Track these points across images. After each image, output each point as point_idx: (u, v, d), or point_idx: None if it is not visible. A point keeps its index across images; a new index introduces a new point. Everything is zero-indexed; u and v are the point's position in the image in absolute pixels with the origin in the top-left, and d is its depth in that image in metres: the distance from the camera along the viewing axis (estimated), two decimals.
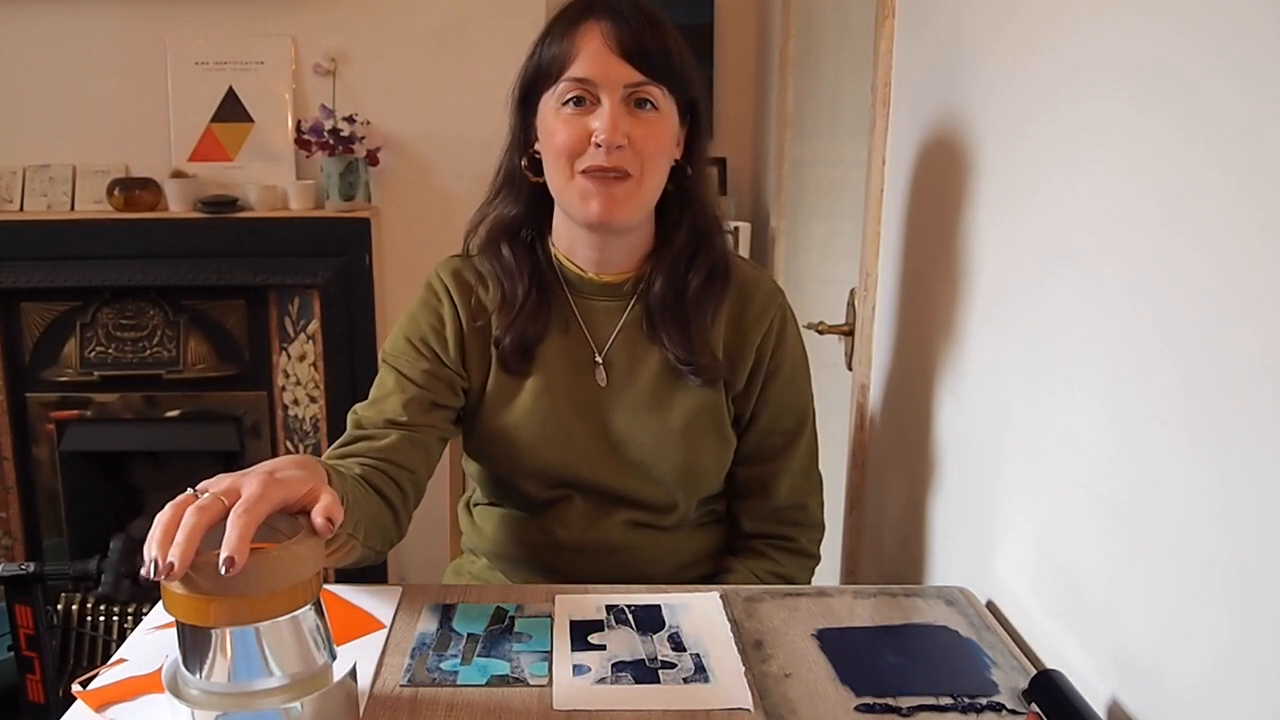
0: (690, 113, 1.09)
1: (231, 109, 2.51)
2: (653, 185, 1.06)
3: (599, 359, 1.12)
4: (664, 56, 1.02)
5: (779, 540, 1.19)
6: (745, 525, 1.20)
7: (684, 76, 1.05)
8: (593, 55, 1.01)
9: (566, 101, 1.03)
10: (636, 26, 1.01)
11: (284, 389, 2.49)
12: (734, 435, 1.16)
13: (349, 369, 2.50)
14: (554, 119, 1.04)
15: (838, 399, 1.56)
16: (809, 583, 1.23)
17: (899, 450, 1.32)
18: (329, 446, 1.07)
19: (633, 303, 1.13)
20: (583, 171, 1.03)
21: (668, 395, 1.11)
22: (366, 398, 1.10)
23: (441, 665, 0.86)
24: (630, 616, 0.95)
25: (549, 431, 1.11)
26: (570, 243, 1.13)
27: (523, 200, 1.13)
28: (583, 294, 1.13)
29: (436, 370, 1.10)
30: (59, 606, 2.46)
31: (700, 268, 1.11)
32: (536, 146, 1.08)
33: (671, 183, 1.09)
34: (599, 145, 1.01)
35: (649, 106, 1.03)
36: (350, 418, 1.09)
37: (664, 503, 1.13)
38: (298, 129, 2.45)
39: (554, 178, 1.06)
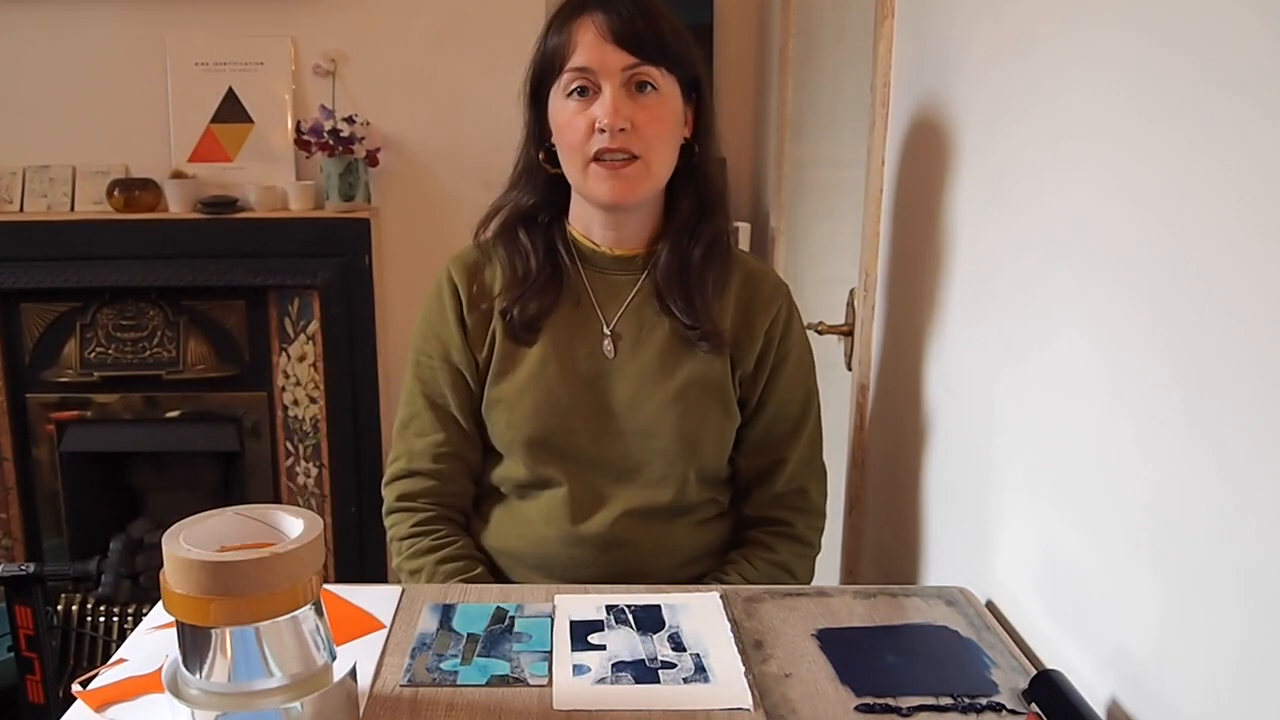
0: (694, 91, 1.14)
1: (231, 109, 2.51)
2: (661, 165, 1.12)
3: (607, 331, 1.16)
4: (657, 39, 1.08)
5: (776, 526, 1.20)
6: (746, 510, 1.22)
7: (680, 56, 1.11)
8: (589, 45, 1.07)
9: (571, 93, 1.09)
10: (628, 14, 1.07)
11: (284, 389, 2.49)
12: (738, 413, 1.18)
13: (349, 369, 2.50)
14: (562, 111, 1.10)
15: (838, 399, 1.56)
16: (809, 574, 1.23)
17: (899, 450, 1.32)
18: (387, 488, 1.21)
19: (644, 276, 1.17)
20: (594, 158, 1.09)
21: (673, 364, 1.15)
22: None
23: (441, 665, 0.86)
24: (630, 616, 0.95)
25: (553, 398, 1.13)
26: (587, 222, 1.18)
27: (540, 190, 1.18)
28: (597, 268, 1.18)
29: (464, 384, 1.18)
30: (59, 607, 2.46)
31: (702, 238, 1.16)
32: (552, 140, 1.14)
33: (682, 160, 1.15)
34: (603, 131, 1.07)
35: (649, 89, 1.08)
36: (400, 446, 1.21)
37: (661, 474, 1.14)
38: (297, 129, 2.45)
39: (569, 168, 1.13)
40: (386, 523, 1.21)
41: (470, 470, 1.21)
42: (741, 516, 1.23)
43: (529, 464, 1.15)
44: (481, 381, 1.18)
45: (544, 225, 1.19)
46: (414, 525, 1.17)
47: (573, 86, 1.09)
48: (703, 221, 1.16)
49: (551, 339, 1.15)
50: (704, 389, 1.15)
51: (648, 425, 1.14)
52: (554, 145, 1.14)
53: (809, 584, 1.23)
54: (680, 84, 1.11)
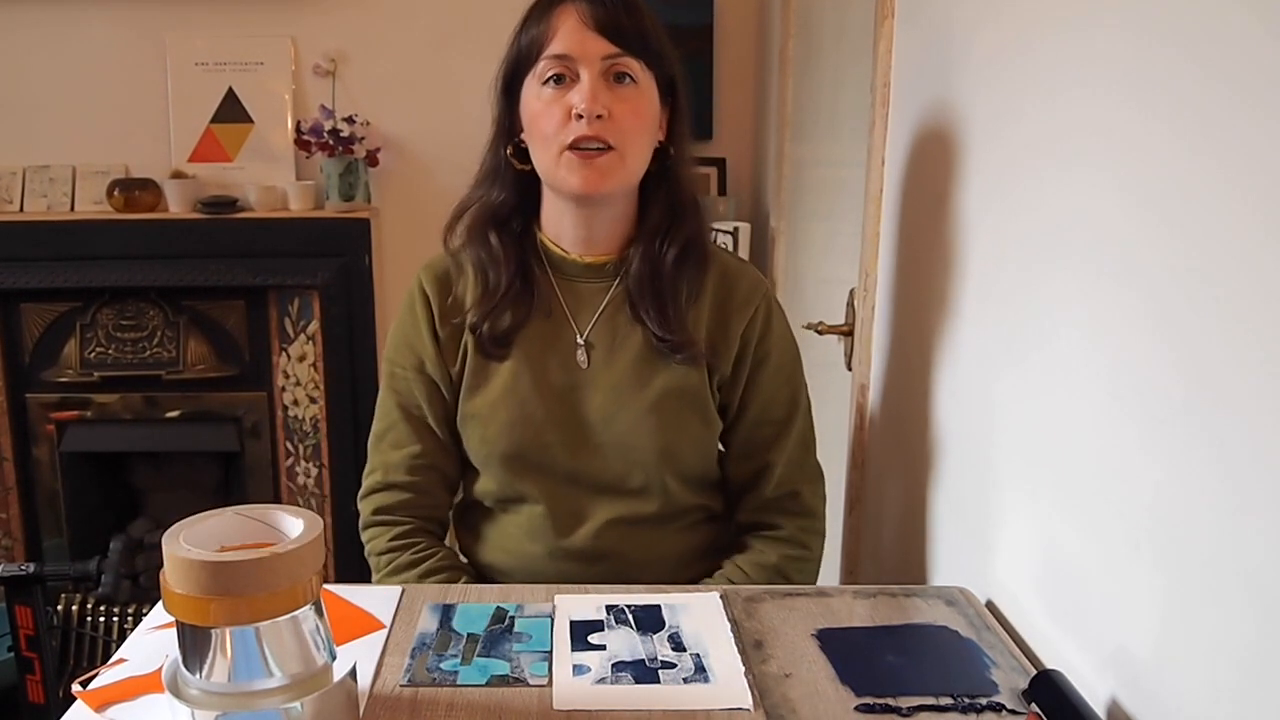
0: (670, 93, 1.12)
1: (231, 109, 2.51)
2: (635, 159, 1.09)
3: (580, 340, 1.13)
4: (639, 31, 1.06)
5: (765, 530, 1.18)
6: (738, 516, 1.21)
7: (661, 53, 1.09)
8: (569, 32, 1.05)
9: (547, 80, 1.06)
10: (611, 4, 1.05)
11: (284, 389, 2.49)
12: (719, 420, 1.16)
13: (349, 369, 2.50)
14: (536, 100, 1.07)
15: (838, 399, 1.56)
16: (810, 577, 1.21)
17: (898, 450, 1.32)
18: (363, 501, 1.21)
19: (615, 283, 1.14)
20: (569, 147, 1.05)
21: (648, 374, 1.12)
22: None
23: (441, 665, 0.86)
24: (630, 616, 0.95)
25: (526, 412, 1.11)
26: (557, 224, 1.15)
27: (509, 188, 1.15)
28: (567, 276, 1.15)
29: (439, 395, 1.16)
30: (59, 607, 2.46)
31: (675, 242, 1.12)
32: (522, 135, 1.11)
33: (655, 163, 1.12)
34: (580, 117, 1.03)
35: (628, 80, 1.06)
36: (375, 459, 1.19)
37: (641, 485, 1.12)
38: (297, 129, 2.46)
39: (540, 158, 1.09)
40: (364, 538, 1.19)
41: (447, 482, 1.19)
42: (735, 524, 1.21)
43: (504, 479, 1.14)
44: (456, 393, 1.16)
45: (516, 231, 1.16)
46: (392, 539, 1.16)
47: (549, 74, 1.05)
48: (675, 226, 1.13)
49: (524, 352, 1.13)
50: (680, 399, 1.12)
51: (624, 438, 1.11)
52: (523, 141, 1.11)
53: (802, 569, 1.21)
54: (658, 82, 1.09)
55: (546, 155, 1.07)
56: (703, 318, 1.14)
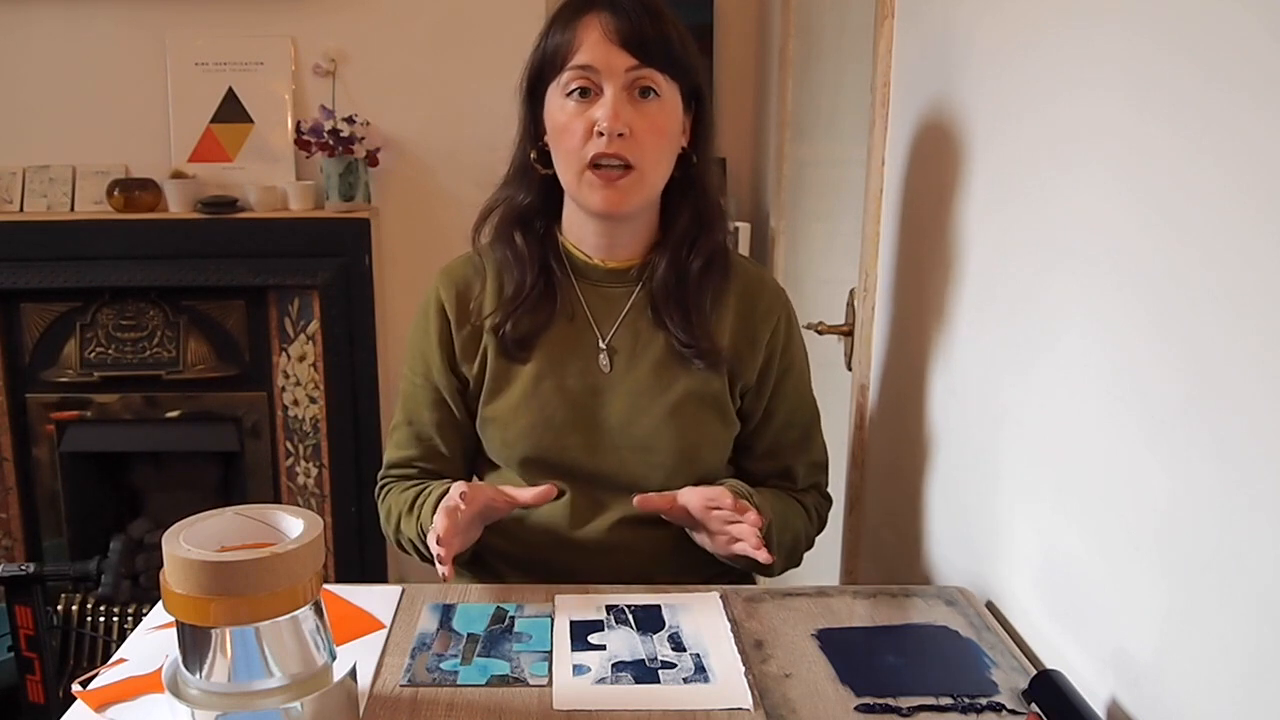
0: (694, 100, 1.12)
1: (231, 109, 2.51)
2: (656, 175, 1.09)
3: (603, 345, 1.14)
4: (663, 44, 1.06)
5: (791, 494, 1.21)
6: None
7: (685, 64, 1.08)
8: (593, 45, 1.04)
9: (570, 92, 1.06)
10: (635, 17, 1.04)
11: (284, 389, 2.49)
12: (736, 420, 1.17)
13: (349, 369, 2.50)
14: (559, 113, 1.07)
15: (838, 399, 1.56)
16: (804, 533, 1.20)
17: (898, 450, 1.32)
18: (387, 472, 1.23)
19: (638, 288, 1.15)
20: (590, 165, 1.06)
21: (669, 378, 1.13)
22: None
23: (441, 665, 0.86)
24: (630, 616, 0.95)
25: (547, 415, 1.12)
26: (580, 230, 1.16)
27: (534, 189, 1.15)
28: (590, 280, 1.16)
29: (443, 404, 1.18)
30: (59, 607, 2.46)
31: (701, 251, 1.13)
32: (545, 139, 1.12)
33: (678, 170, 1.12)
34: (601, 134, 1.04)
35: (651, 95, 1.06)
36: (388, 447, 1.24)
37: (660, 487, 1.13)
38: (297, 129, 2.45)
39: (563, 172, 1.10)
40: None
41: (444, 477, 1.22)
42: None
43: (528, 479, 1.15)
44: (466, 399, 1.17)
45: (539, 233, 1.16)
46: (382, 502, 1.22)
47: (573, 86, 1.06)
48: (702, 235, 1.14)
49: (545, 355, 1.13)
50: (701, 402, 1.13)
51: (645, 441, 1.12)
52: (547, 145, 1.12)
53: (809, 546, 1.22)
54: (681, 92, 1.09)
55: (569, 171, 1.08)
56: (726, 325, 1.15)
